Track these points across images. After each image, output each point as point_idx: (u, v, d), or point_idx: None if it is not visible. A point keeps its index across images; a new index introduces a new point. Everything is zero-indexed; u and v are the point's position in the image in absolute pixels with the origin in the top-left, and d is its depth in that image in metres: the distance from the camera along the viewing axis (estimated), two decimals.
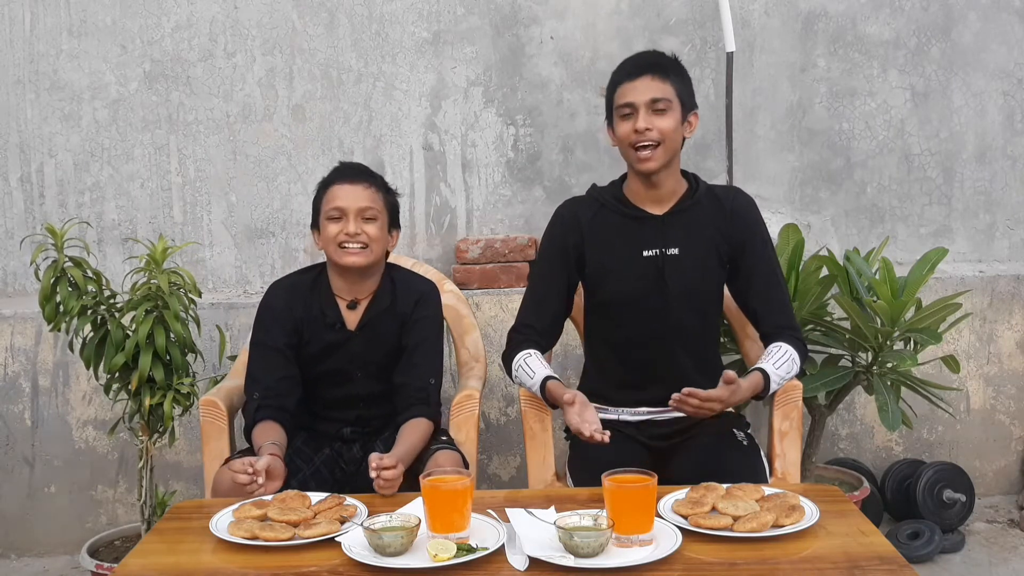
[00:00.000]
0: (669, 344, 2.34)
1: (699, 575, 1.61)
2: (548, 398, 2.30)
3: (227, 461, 2.22)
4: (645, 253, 2.32)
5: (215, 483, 2.18)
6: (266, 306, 2.42)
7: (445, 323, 2.77)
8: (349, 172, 2.39)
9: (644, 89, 2.25)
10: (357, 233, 2.31)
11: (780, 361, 2.27)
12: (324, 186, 2.39)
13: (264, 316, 2.42)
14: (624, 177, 2.41)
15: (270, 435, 2.22)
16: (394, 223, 2.43)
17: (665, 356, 2.35)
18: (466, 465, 2.31)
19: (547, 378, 2.30)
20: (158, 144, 3.43)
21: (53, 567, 3.26)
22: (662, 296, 2.32)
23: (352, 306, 2.40)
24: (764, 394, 2.26)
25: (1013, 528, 3.36)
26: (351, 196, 2.33)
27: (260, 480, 1.99)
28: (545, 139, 3.49)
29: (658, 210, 2.34)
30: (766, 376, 2.24)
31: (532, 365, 2.34)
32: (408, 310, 2.41)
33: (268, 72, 3.42)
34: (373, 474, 1.99)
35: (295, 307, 2.40)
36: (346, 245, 2.32)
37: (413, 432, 2.27)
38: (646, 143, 2.25)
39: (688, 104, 2.30)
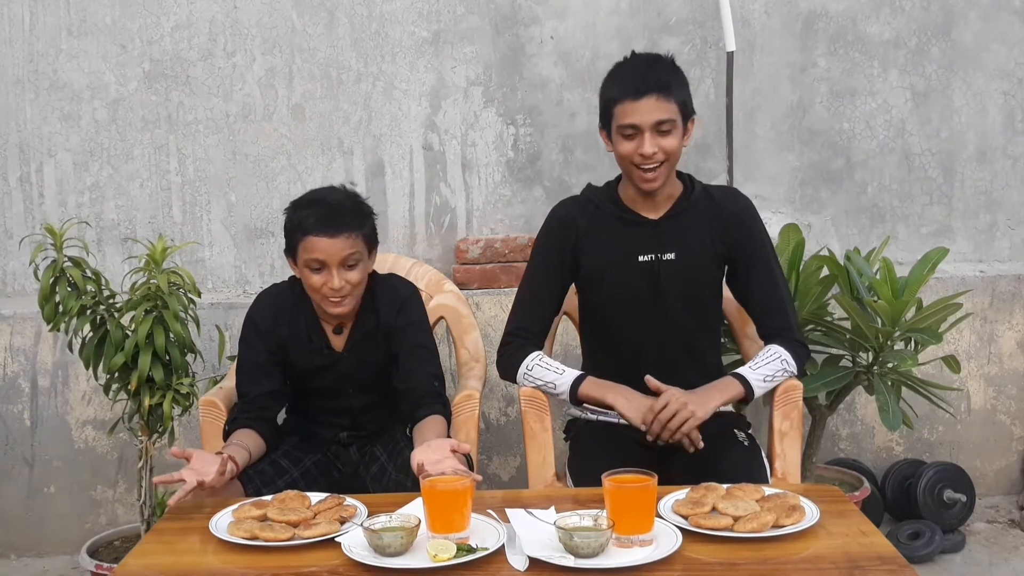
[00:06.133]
0: (667, 348, 2.33)
1: (699, 575, 1.61)
2: (581, 395, 2.27)
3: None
4: (640, 258, 2.30)
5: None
6: (250, 322, 2.38)
7: (445, 323, 2.77)
8: (327, 222, 2.21)
9: (649, 111, 2.17)
10: (341, 287, 2.22)
11: (762, 363, 2.27)
12: (301, 231, 2.23)
13: (248, 332, 2.37)
14: (619, 178, 2.38)
15: (237, 438, 2.21)
16: (374, 244, 2.32)
17: (663, 360, 2.32)
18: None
19: (583, 375, 2.28)
20: (158, 144, 3.43)
21: (53, 567, 3.26)
22: (658, 301, 2.30)
23: (338, 331, 2.36)
24: (748, 397, 2.25)
25: (1013, 528, 3.36)
26: (332, 249, 2.20)
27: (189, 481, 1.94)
28: (545, 139, 3.49)
29: (654, 214, 2.32)
30: (742, 379, 2.24)
31: (554, 364, 2.32)
32: (391, 318, 2.35)
33: (268, 72, 3.42)
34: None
35: (280, 325, 2.35)
36: (330, 297, 2.26)
37: (432, 429, 2.18)
38: (652, 164, 2.21)
39: (688, 113, 2.25)
